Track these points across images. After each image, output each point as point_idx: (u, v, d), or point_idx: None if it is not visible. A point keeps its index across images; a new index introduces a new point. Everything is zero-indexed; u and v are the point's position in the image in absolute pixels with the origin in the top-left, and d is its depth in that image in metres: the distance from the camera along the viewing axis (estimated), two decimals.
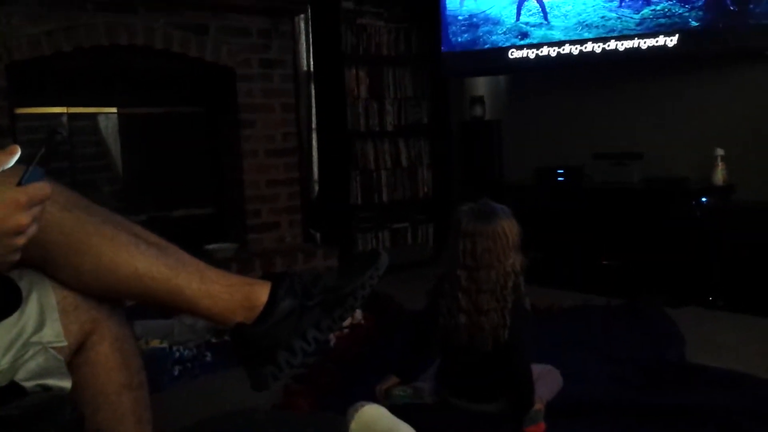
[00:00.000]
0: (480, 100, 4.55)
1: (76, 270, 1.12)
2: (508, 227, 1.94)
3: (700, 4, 3.35)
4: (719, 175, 3.46)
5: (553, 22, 3.85)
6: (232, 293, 1.21)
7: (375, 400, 1.88)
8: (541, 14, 3.89)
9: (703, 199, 3.35)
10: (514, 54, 4.02)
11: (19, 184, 0.85)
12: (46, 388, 1.07)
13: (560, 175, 3.98)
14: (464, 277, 1.94)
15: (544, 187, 4.03)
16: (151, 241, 1.21)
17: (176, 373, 2.51)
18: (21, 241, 0.88)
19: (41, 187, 0.87)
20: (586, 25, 3.73)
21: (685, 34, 3.40)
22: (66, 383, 1.10)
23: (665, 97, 3.79)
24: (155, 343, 2.58)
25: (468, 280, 1.94)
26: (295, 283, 1.24)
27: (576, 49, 3.76)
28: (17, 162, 0.87)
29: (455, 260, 1.96)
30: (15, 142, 3.02)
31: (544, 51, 3.89)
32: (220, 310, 1.21)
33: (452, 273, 1.97)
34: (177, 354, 2.55)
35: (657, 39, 3.47)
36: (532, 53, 3.94)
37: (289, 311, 1.22)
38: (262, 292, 1.23)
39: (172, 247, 1.24)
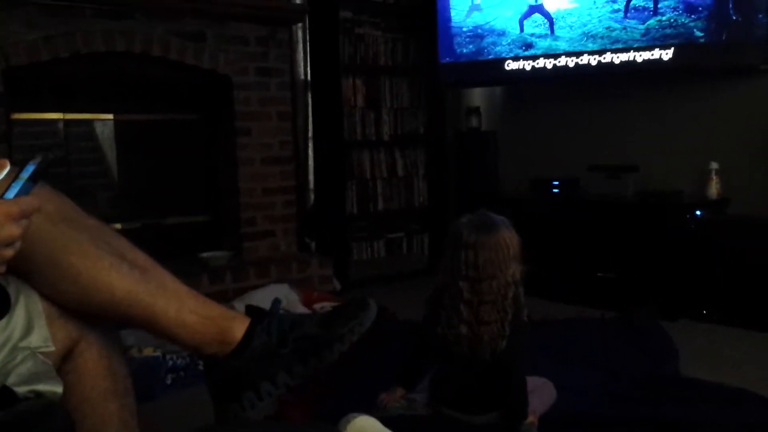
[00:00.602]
0: (476, 110, 4.55)
1: (55, 288, 1.12)
2: (509, 238, 1.95)
3: (704, 14, 3.36)
4: (714, 189, 3.47)
5: (558, 33, 3.85)
6: (207, 326, 1.21)
7: (368, 410, 1.87)
8: (548, 26, 3.89)
9: (698, 213, 3.35)
10: (511, 65, 4.03)
11: (2, 196, 0.86)
12: (38, 395, 1.07)
13: (555, 186, 3.98)
14: (466, 289, 1.94)
15: (539, 198, 4.03)
16: (136, 263, 1.20)
17: (169, 381, 2.50)
18: (10, 252, 0.89)
19: (31, 201, 0.88)
20: (591, 36, 3.72)
21: (683, 47, 3.40)
22: (57, 388, 1.10)
23: (661, 109, 3.80)
24: (148, 352, 2.56)
25: (470, 292, 1.94)
26: (272, 326, 1.24)
27: (572, 61, 3.77)
28: (6, 176, 0.88)
29: (457, 271, 1.96)
30: (11, 147, 3.04)
31: (541, 63, 3.90)
32: (193, 341, 1.22)
33: (453, 284, 1.97)
34: (170, 363, 2.53)
35: (653, 52, 3.49)
36: (528, 65, 3.95)
37: (261, 353, 1.22)
38: (238, 329, 1.22)
39: (157, 270, 1.23)
